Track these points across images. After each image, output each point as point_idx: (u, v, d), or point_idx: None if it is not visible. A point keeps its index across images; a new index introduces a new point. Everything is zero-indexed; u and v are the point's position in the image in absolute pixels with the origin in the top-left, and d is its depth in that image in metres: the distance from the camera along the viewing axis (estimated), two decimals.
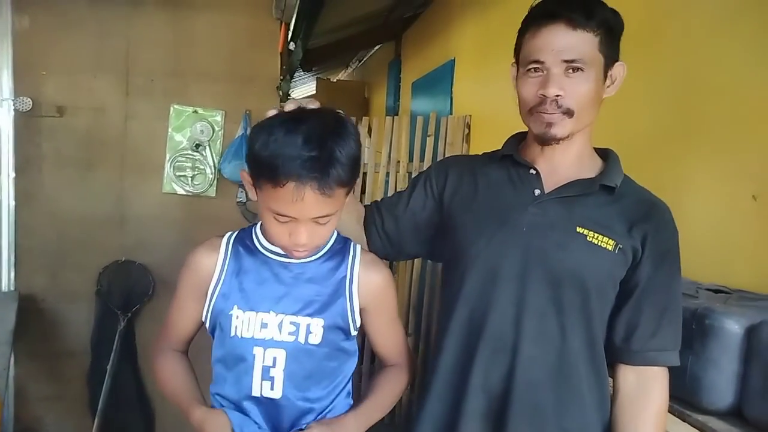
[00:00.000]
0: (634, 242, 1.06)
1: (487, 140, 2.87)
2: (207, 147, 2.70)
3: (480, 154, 1.26)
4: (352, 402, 1.17)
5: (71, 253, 2.57)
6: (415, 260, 3.16)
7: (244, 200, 2.74)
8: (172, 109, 2.67)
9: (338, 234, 1.13)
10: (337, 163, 0.92)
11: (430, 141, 3.12)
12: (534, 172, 1.13)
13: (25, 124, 2.55)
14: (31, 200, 2.55)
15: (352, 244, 1.14)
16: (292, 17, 2.93)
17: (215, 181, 2.72)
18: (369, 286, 1.10)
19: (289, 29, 3.07)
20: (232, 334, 1.05)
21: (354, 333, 1.11)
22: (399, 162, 3.11)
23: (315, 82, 6.56)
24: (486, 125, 2.88)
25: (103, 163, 2.63)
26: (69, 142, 2.59)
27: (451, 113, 3.31)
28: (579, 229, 1.05)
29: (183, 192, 2.69)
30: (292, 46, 3.23)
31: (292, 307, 1.05)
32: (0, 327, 2.10)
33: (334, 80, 7.52)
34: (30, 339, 2.49)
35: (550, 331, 1.06)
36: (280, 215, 0.96)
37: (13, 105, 2.52)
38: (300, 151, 0.90)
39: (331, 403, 1.10)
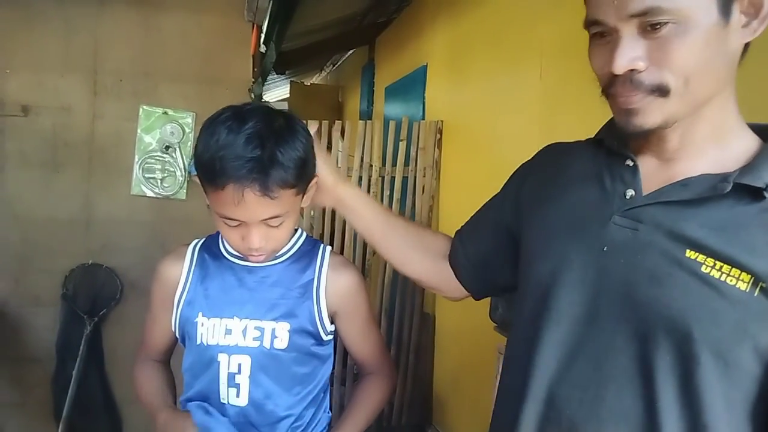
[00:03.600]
0: None
1: (459, 145, 2.90)
2: (177, 149, 2.67)
3: (567, 142, 0.92)
4: (330, 415, 1.16)
5: (36, 256, 2.51)
6: (387, 262, 3.17)
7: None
8: (141, 110, 2.63)
9: (307, 236, 1.13)
10: (278, 165, 0.88)
11: (402, 145, 3.15)
12: (630, 163, 0.76)
13: None
14: None
15: (321, 246, 1.12)
16: (264, 19, 2.92)
17: (185, 184, 2.68)
18: (338, 289, 1.08)
19: (261, 31, 3.06)
20: (198, 341, 1.04)
21: (326, 338, 1.09)
22: (372, 166, 3.12)
23: (288, 85, 6.54)
24: (458, 130, 2.91)
25: (69, 164, 2.57)
26: (34, 143, 2.53)
27: (423, 118, 3.34)
28: (690, 254, 0.67)
29: (152, 194, 2.65)
30: (263, 48, 3.21)
31: (256, 312, 1.03)
32: None
33: (308, 84, 7.49)
34: None
35: (627, 410, 0.69)
36: (227, 218, 0.95)
37: None
38: (239, 152, 0.88)
39: (305, 409, 1.08)
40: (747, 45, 0.69)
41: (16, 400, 2.49)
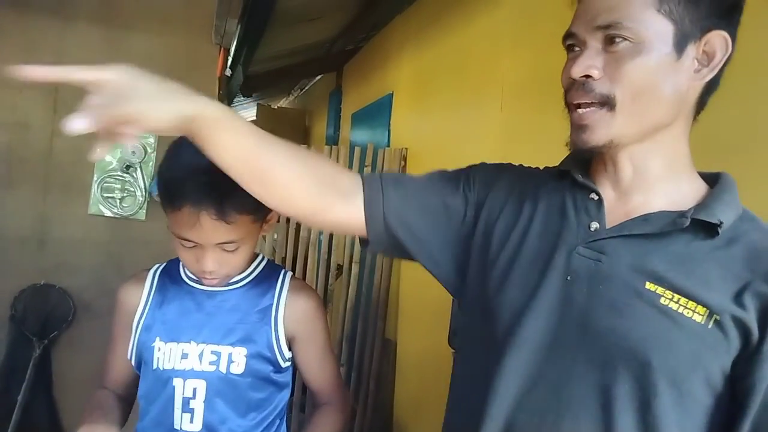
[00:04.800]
0: (744, 313, 0.67)
1: (423, 172, 2.94)
2: (138, 168, 2.63)
3: (542, 168, 0.90)
4: None
5: None
6: (350, 288, 3.17)
7: None
8: None
9: (267, 261, 1.13)
10: (237, 190, 0.80)
11: (367, 171, 3.18)
12: (595, 197, 0.78)
13: None
14: None
15: (282, 271, 1.12)
16: (232, 43, 2.93)
17: (146, 204, 2.64)
18: (296, 314, 1.08)
19: (229, 55, 3.07)
20: (154, 366, 1.03)
21: (284, 364, 1.08)
22: None
23: (256, 107, 6.54)
24: (422, 158, 2.96)
25: (24, 181, 2.51)
26: None
27: (388, 145, 3.39)
28: (650, 286, 0.70)
29: (110, 214, 2.60)
30: (228, 72, 3.22)
31: (213, 336, 1.03)
32: None
33: (275, 107, 7.50)
34: None
35: None
36: (182, 239, 0.95)
37: None
38: (200, 175, 0.88)
39: None
40: (705, 98, 0.76)
41: None
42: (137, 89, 0.66)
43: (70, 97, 2.47)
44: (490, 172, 0.90)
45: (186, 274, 1.07)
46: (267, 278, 1.10)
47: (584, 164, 0.82)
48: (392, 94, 3.40)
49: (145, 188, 2.63)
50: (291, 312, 1.07)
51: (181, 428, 1.02)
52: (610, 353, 0.69)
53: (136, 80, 0.67)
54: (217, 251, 0.96)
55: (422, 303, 2.72)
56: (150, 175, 2.64)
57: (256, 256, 1.11)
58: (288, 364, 1.10)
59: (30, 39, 2.53)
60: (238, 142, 0.74)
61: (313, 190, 0.80)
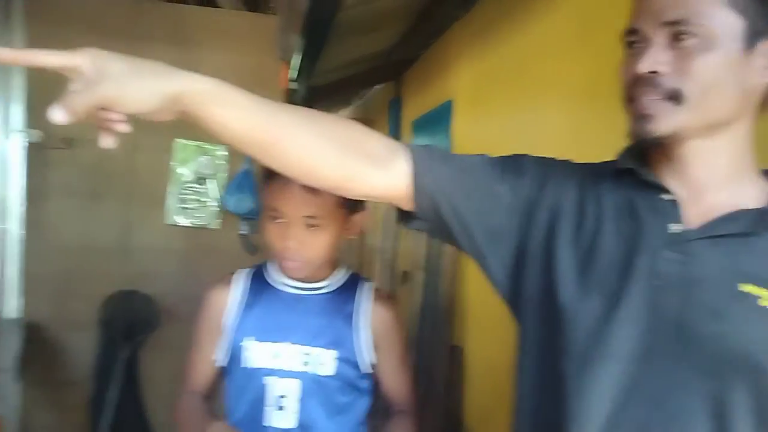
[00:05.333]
0: None
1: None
2: (211, 180, 2.77)
3: (587, 164, 0.85)
4: None
5: (76, 282, 2.60)
6: (416, 294, 3.20)
7: (246, 232, 2.80)
8: (176, 142, 2.75)
9: (351, 273, 1.18)
10: None
11: None
12: (668, 197, 0.74)
13: (35, 155, 2.62)
14: (39, 230, 2.60)
15: (363, 280, 1.17)
16: (294, 57, 3.04)
17: (218, 214, 2.78)
18: (378, 322, 1.12)
19: (292, 68, 3.18)
20: (245, 364, 1.08)
21: (366, 370, 1.12)
22: None
23: None
24: None
25: (109, 194, 2.69)
26: (76, 174, 2.66)
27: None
28: (746, 288, 0.67)
29: (187, 223, 2.75)
30: (294, 85, 3.34)
31: (304, 337, 1.08)
32: (6, 354, 2.12)
33: None
34: (34, 367, 2.50)
35: None
36: (272, 211, 1.03)
37: (25, 137, 2.60)
38: None
39: None
40: None
41: (55, 422, 2.56)
42: (108, 71, 0.62)
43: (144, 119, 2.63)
44: (541, 165, 0.84)
45: (274, 278, 1.13)
46: (351, 287, 1.15)
47: (643, 162, 0.77)
48: (452, 101, 3.42)
49: (218, 199, 2.77)
50: (375, 321, 1.12)
51: (271, 425, 1.06)
52: (719, 360, 0.66)
53: (106, 61, 0.62)
54: (301, 227, 1.02)
55: (489, 308, 2.71)
56: (222, 186, 2.78)
57: (340, 267, 1.16)
58: (370, 371, 1.13)
59: None
60: (237, 116, 0.69)
61: (335, 157, 0.73)
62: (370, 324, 1.11)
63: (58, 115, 0.58)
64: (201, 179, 2.76)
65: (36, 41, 2.62)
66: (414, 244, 3.15)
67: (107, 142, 0.66)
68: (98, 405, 2.47)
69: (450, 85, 3.48)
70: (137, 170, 2.73)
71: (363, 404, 1.15)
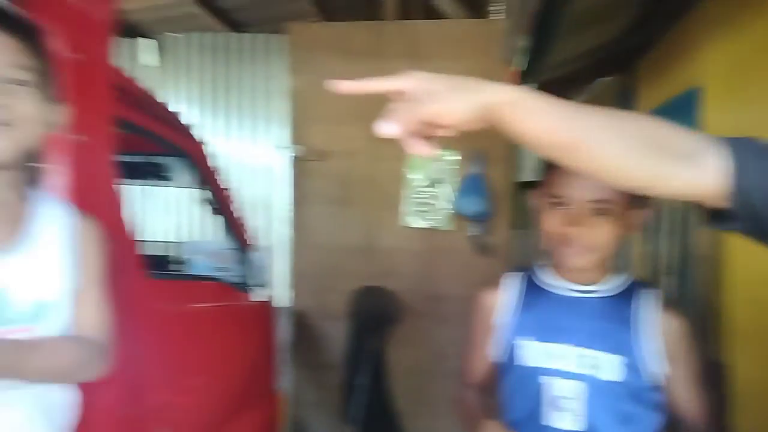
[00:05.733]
0: None
1: None
2: (443, 184, 2.91)
3: None
4: None
5: (330, 277, 2.96)
6: None
7: (476, 234, 2.87)
8: None
9: (632, 279, 1.12)
10: None
11: None
12: None
13: (298, 167, 3.05)
14: (302, 232, 3.02)
15: (646, 287, 1.11)
16: (519, 59, 3.03)
17: (451, 216, 2.90)
18: (671, 332, 1.05)
19: (517, 69, 3.17)
20: (520, 362, 1.09)
21: (656, 382, 1.05)
22: None
23: None
24: None
25: (355, 200, 3.00)
26: (329, 182, 3.02)
27: None
28: None
29: (422, 226, 2.92)
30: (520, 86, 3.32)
31: (585, 340, 1.05)
32: (283, 337, 2.49)
33: None
34: (302, 350, 2.92)
35: None
36: (556, 197, 1.01)
37: (291, 152, 3.05)
38: None
39: None
40: None
41: (316, 400, 2.95)
42: (434, 90, 0.70)
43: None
44: None
45: (549, 281, 1.13)
46: (631, 293, 1.09)
47: None
48: (699, 89, 3.06)
49: (450, 202, 2.89)
50: (665, 330, 1.05)
51: (550, 425, 1.06)
52: None
53: (431, 82, 0.71)
54: (587, 212, 1.00)
55: (765, 321, 2.36)
56: (453, 189, 2.90)
57: (617, 272, 1.12)
58: (662, 383, 1.06)
59: (355, 79, 3.01)
60: (541, 120, 0.71)
61: (640, 156, 0.71)
62: (660, 333, 1.05)
63: (388, 128, 0.67)
64: (434, 184, 2.91)
65: (297, 64, 3.03)
66: (652, 249, 2.90)
67: (425, 150, 0.73)
68: (350, 388, 2.75)
69: (696, 72, 3.13)
70: (377, 178, 2.99)
71: (654, 419, 1.07)
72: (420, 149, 0.72)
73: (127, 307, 1.04)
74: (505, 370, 1.15)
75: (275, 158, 4.43)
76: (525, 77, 3.41)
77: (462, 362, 1.26)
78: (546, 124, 0.71)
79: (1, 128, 0.74)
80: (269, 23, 4.91)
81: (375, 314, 2.80)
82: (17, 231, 0.81)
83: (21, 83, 0.76)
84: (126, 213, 1.11)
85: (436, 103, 0.69)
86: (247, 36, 5.01)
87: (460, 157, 2.89)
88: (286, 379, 2.33)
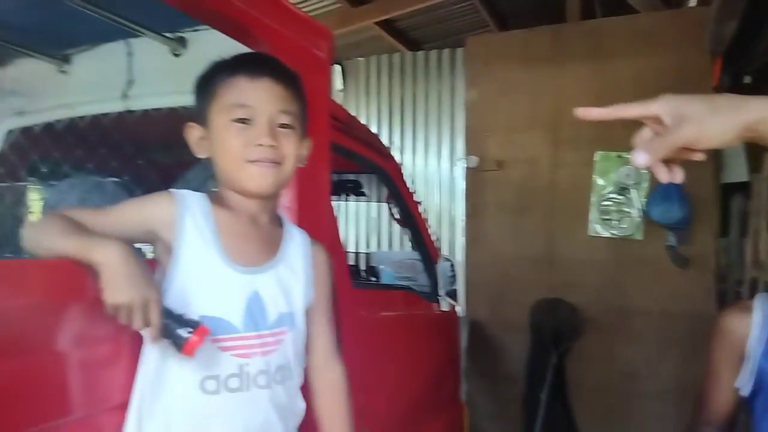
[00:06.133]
0: None
1: None
2: (632, 190, 2.70)
3: None
4: None
5: (507, 288, 2.90)
6: None
7: (674, 244, 2.62)
8: (597, 155, 2.78)
9: None
10: None
11: None
12: None
13: (473, 178, 3.06)
14: (477, 242, 3.02)
15: None
16: (726, 48, 2.71)
17: (641, 224, 2.68)
18: None
19: (723, 61, 2.84)
20: None
21: None
22: None
23: None
24: None
25: (534, 208, 2.92)
26: (506, 192, 2.98)
27: None
28: None
29: (608, 235, 2.75)
30: (726, 81, 2.97)
31: None
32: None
33: None
34: (477, 360, 2.91)
35: None
36: None
37: (465, 163, 3.07)
38: None
39: None
40: None
41: (495, 412, 2.91)
42: (686, 113, 0.64)
43: (568, 132, 2.76)
44: None
45: None
46: None
47: None
48: None
49: (640, 208, 2.68)
50: None
51: None
52: None
53: (682, 105, 0.65)
54: None
55: None
56: (644, 195, 2.68)
57: None
58: None
59: (534, 88, 2.95)
60: None
61: None
62: None
63: (642, 159, 0.64)
64: (623, 189, 2.72)
65: (473, 76, 3.07)
66: None
67: (677, 178, 0.68)
68: (530, 403, 2.67)
69: None
70: (559, 185, 2.88)
71: None
72: (673, 177, 0.67)
73: (340, 316, 1.13)
74: (759, 405, 1.02)
75: (455, 170, 4.52)
76: (729, 67, 3.05)
77: (699, 395, 1.13)
78: None
79: (273, 167, 0.84)
80: (442, 39, 5.02)
81: (554, 327, 2.69)
82: (274, 250, 0.92)
83: (286, 126, 0.86)
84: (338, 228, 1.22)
85: (693, 127, 0.64)
86: (420, 54, 5.19)
87: None
88: (464, 389, 2.34)
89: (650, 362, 2.65)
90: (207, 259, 0.83)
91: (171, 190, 0.88)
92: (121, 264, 0.70)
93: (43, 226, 0.83)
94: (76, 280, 0.72)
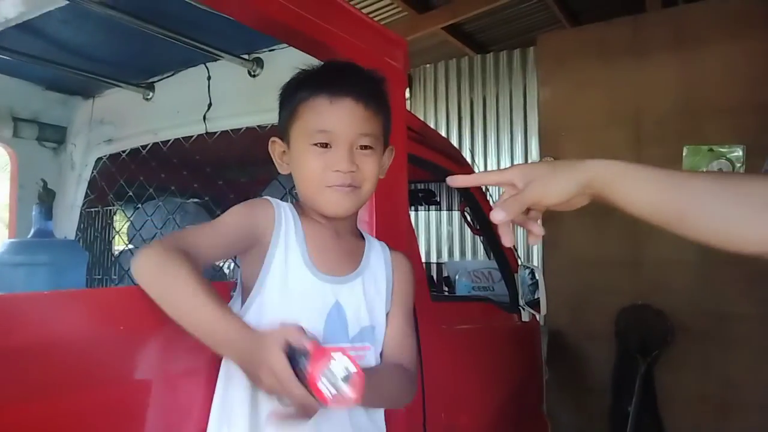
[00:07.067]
0: None
1: None
2: None
3: None
4: None
5: (590, 293, 2.77)
6: None
7: None
8: (685, 149, 2.61)
9: None
10: None
11: None
12: None
13: None
14: (555, 247, 2.90)
15: None
16: None
17: None
18: None
19: None
20: None
21: None
22: None
23: None
24: None
25: (616, 210, 2.77)
26: None
27: None
28: None
29: None
30: None
31: None
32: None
33: None
34: (558, 371, 2.79)
35: None
36: None
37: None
38: None
39: None
40: None
41: (579, 426, 2.78)
42: (535, 175, 0.73)
43: (651, 126, 2.60)
44: None
45: None
46: None
47: None
48: None
49: None
50: None
51: None
52: None
53: (530, 170, 0.75)
54: None
55: None
56: None
57: None
58: None
59: (611, 82, 2.82)
60: (642, 190, 0.72)
61: (755, 218, 0.66)
62: None
63: (497, 216, 0.71)
64: None
65: (546, 75, 2.97)
66: None
67: (533, 240, 0.77)
68: (617, 416, 2.53)
69: None
70: None
71: None
72: (533, 232, 0.76)
73: (420, 329, 1.11)
74: None
75: None
76: None
77: None
78: (651, 197, 0.72)
79: (351, 191, 0.84)
80: (511, 39, 4.92)
81: (641, 335, 2.53)
82: (357, 261, 0.91)
83: (367, 148, 0.85)
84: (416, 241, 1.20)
85: (538, 186, 0.73)
86: (489, 56, 5.10)
87: (741, 153, 2.47)
88: (545, 403, 2.24)
89: (753, 370, 2.44)
90: (295, 265, 0.84)
91: (266, 197, 0.88)
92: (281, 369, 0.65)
93: (171, 277, 0.70)
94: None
